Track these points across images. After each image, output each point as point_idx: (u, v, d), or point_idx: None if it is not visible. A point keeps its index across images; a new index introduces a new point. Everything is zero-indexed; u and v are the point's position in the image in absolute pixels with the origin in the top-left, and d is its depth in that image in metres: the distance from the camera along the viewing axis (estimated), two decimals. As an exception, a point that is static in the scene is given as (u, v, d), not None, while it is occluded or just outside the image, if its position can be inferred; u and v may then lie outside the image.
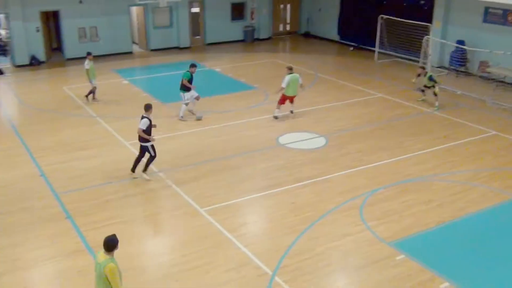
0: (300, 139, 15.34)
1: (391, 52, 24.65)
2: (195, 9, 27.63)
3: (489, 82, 19.59)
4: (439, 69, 21.75)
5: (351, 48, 27.34)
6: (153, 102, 18.34)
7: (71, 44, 24.75)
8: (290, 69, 16.78)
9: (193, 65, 16.55)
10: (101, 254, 7.24)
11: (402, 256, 9.79)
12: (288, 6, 30.72)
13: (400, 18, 23.27)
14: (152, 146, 12.62)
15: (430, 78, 17.58)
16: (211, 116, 17.23)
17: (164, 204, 11.75)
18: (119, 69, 23.34)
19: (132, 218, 11.17)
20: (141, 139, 12.53)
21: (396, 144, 14.95)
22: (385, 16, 24.08)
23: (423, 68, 18.26)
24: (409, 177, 12.97)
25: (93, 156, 14.11)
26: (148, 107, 12.56)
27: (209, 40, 28.35)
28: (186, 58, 25.36)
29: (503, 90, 18.87)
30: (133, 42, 27.37)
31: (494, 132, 15.85)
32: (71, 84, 21.01)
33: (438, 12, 22.92)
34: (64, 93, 19.84)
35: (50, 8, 24.20)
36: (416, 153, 14.40)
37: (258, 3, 29.07)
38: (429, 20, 22.95)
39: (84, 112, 17.56)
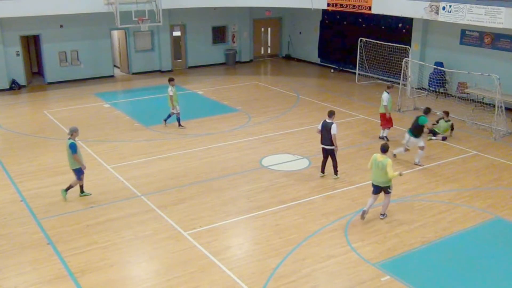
0: (283, 161, 15.36)
1: (371, 74, 24.96)
2: (177, 33, 27.74)
3: (468, 103, 19.87)
4: (419, 90, 22.03)
5: (332, 70, 27.62)
6: (135, 125, 18.52)
7: (52, 68, 24.64)
8: (388, 88, 17.08)
9: (427, 109, 15.14)
10: (379, 155, 11.31)
11: (388, 277, 9.78)
12: (269, 29, 31.01)
13: (380, 40, 23.68)
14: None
15: (451, 125, 17.38)
16: (195, 138, 17.20)
17: (147, 228, 11.60)
18: (101, 92, 23.24)
19: (115, 243, 11.01)
20: (330, 143, 13.62)
21: (379, 165, 15.02)
22: (364, 39, 24.44)
23: (447, 113, 17.57)
24: (392, 198, 12.98)
25: (74, 181, 13.95)
26: (331, 114, 13.82)
27: (190, 64, 28.43)
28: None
29: (482, 111, 19.16)
30: (115, 66, 27.33)
31: (474, 152, 16.05)
32: (51, 108, 20.86)
33: (416, 34, 23.33)
34: (44, 117, 19.67)
35: (31, 32, 24.10)
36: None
37: (239, 27, 29.31)
38: (408, 43, 23.35)
39: (65, 136, 17.34)
